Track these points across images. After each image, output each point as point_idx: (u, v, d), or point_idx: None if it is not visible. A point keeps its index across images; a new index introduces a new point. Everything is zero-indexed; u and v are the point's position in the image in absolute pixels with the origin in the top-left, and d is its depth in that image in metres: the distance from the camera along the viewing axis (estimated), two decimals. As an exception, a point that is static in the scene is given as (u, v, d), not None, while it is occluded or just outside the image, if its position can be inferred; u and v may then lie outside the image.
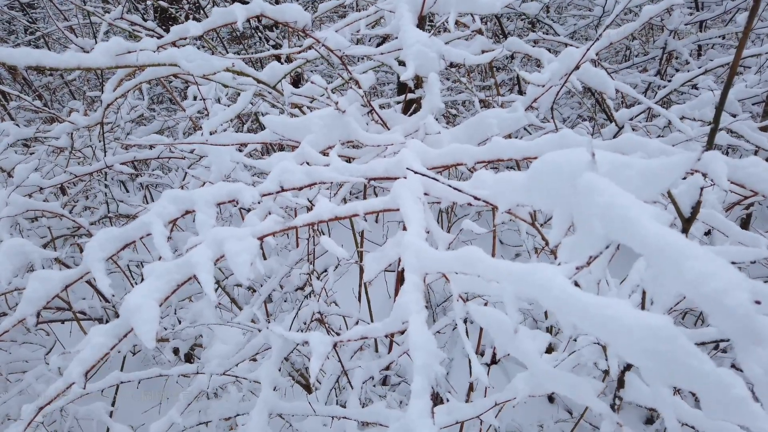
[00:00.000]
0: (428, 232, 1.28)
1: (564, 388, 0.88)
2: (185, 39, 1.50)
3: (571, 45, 3.18)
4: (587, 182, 0.75)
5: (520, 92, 4.38)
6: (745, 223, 3.91)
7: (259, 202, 1.08)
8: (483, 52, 1.97)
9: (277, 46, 4.57)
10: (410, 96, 2.54)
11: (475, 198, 1.10)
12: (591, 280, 0.78)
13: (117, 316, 3.56)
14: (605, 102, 2.69)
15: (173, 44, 1.60)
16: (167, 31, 5.27)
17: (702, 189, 1.23)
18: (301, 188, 1.19)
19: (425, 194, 1.20)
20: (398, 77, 2.60)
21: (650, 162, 0.78)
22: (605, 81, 1.83)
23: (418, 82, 2.57)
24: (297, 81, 5.70)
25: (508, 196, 1.08)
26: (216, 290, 3.19)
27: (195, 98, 2.77)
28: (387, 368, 4.14)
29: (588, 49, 1.63)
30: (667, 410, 0.59)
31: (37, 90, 4.72)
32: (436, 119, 2.01)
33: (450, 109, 4.24)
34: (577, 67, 1.83)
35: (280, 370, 2.83)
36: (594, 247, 0.74)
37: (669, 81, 4.03)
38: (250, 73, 1.80)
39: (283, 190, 1.15)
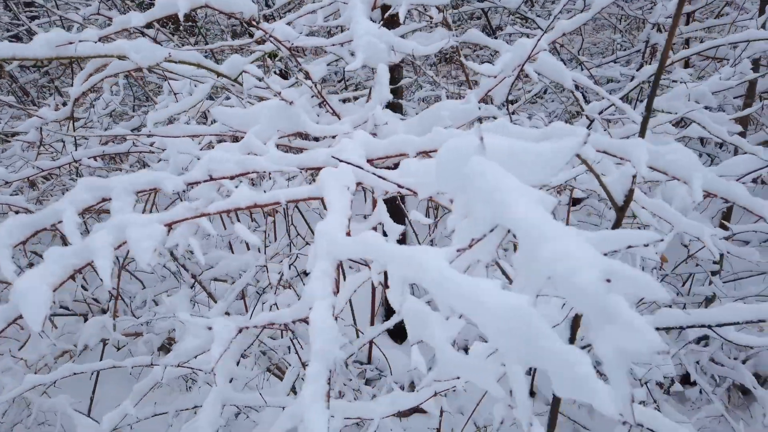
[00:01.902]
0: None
1: (468, 374, 0.88)
2: (129, 30, 1.51)
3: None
4: (474, 166, 0.75)
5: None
6: (726, 216, 3.90)
7: (184, 191, 1.08)
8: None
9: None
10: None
11: (399, 186, 1.10)
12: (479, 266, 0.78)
13: (103, 312, 3.58)
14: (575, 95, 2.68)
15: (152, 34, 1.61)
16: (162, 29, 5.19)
17: (634, 177, 1.23)
18: (232, 177, 1.20)
19: (359, 183, 1.21)
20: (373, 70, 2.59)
21: (541, 146, 0.78)
22: (562, 72, 1.83)
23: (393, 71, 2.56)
24: (285, 76, 5.71)
25: (429, 184, 1.08)
26: (192, 286, 3.21)
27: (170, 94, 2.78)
28: (368, 362, 4.13)
29: (538, 40, 1.63)
30: (520, 388, 0.59)
31: (23, 86, 4.74)
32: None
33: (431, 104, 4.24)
34: (534, 59, 1.83)
35: (257, 364, 2.84)
36: (478, 230, 0.75)
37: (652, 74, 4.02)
38: (208, 66, 1.80)
39: (212, 179, 1.15)
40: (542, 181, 0.79)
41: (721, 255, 3.78)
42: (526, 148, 0.78)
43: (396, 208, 3.59)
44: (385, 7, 2.05)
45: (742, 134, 3.53)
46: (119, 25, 1.49)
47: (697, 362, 3.36)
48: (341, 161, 1.10)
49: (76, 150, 2.57)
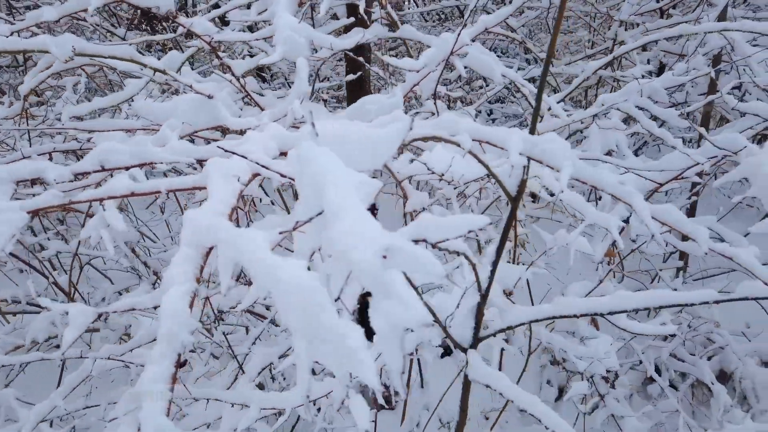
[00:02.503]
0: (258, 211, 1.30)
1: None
2: (41, 25, 1.53)
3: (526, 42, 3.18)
4: (304, 152, 0.77)
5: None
6: (691, 212, 3.92)
7: (71, 180, 1.10)
8: (380, 39, 1.99)
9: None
10: (350, 77, 2.55)
11: (282, 175, 1.12)
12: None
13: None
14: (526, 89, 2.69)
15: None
16: (152, 31, 5.25)
17: (526, 168, 1.25)
18: (128, 168, 1.22)
19: (257, 174, 1.22)
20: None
21: (372, 132, 0.80)
22: (492, 68, 1.85)
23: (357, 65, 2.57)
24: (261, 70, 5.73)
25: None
26: (154, 284, 3.22)
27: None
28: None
29: (458, 35, 1.64)
30: (303, 364, 0.61)
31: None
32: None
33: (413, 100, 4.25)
34: (462, 54, 1.85)
35: (218, 358, 2.85)
36: (306, 214, 0.76)
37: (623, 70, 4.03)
38: (141, 61, 1.82)
39: (104, 169, 1.17)
40: (375, 165, 0.80)
41: (681, 252, 3.79)
42: (358, 134, 0.79)
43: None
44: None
45: (705, 127, 3.55)
46: (32, 20, 1.51)
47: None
48: (230, 152, 1.12)
49: (30, 147, 2.59)
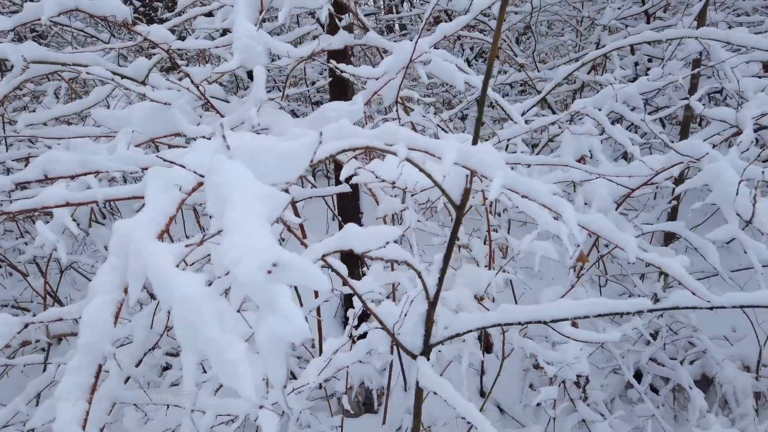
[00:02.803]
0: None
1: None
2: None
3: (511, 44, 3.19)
4: (214, 164, 0.78)
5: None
6: (672, 216, 3.92)
7: (14, 190, 1.11)
8: (345, 47, 2.00)
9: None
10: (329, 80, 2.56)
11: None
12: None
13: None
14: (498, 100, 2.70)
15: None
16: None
17: (468, 177, 1.26)
18: (73, 177, 1.22)
19: (200, 184, 1.23)
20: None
21: (285, 145, 0.81)
22: (453, 75, 1.86)
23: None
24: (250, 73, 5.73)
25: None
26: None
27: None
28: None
29: (416, 42, 1.65)
30: (190, 378, 0.62)
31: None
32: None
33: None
34: (428, 61, 1.86)
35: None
36: (215, 226, 0.77)
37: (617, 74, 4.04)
38: (108, 68, 1.83)
39: (47, 179, 1.18)
40: (288, 177, 0.81)
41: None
42: (270, 148, 0.80)
43: (351, 207, 3.62)
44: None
45: (685, 131, 3.56)
46: (-14, 29, 1.53)
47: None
48: (165, 160, 1.13)
49: (7, 152, 2.60)
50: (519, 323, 1.26)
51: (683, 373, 3.08)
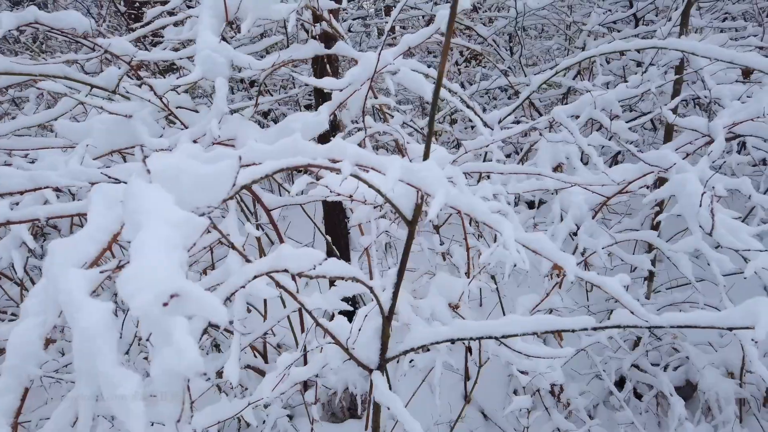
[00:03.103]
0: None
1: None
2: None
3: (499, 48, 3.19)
4: (130, 188, 0.77)
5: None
6: (656, 225, 3.90)
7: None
8: (316, 56, 2.00)
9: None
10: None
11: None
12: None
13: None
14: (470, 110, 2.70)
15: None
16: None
17: (419, 193, 1.25)
18: (22, 192, 1.22)
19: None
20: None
21: (207, 169, 0.80)
22: (422, 85, 1.85)
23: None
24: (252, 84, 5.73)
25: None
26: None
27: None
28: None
29: (379, 54, 1.65)
30: (85, 415, 0.61)
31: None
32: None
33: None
34: (396, 71, 1.85)
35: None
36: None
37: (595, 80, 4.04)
38: (77, 78, 1.82)
39: (-5, 194, 1.17)
40: (211, 201, 0.81)
41: (653, 262, 3.79)
42: (191, 171, 0.80)
43: (336, 220, 3.61)
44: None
45: (669, 136, 3.55)
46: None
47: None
48: (109, 177, 1.12)
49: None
50: (471, 338, 1.25)
51: (664, 379, 3.08)
